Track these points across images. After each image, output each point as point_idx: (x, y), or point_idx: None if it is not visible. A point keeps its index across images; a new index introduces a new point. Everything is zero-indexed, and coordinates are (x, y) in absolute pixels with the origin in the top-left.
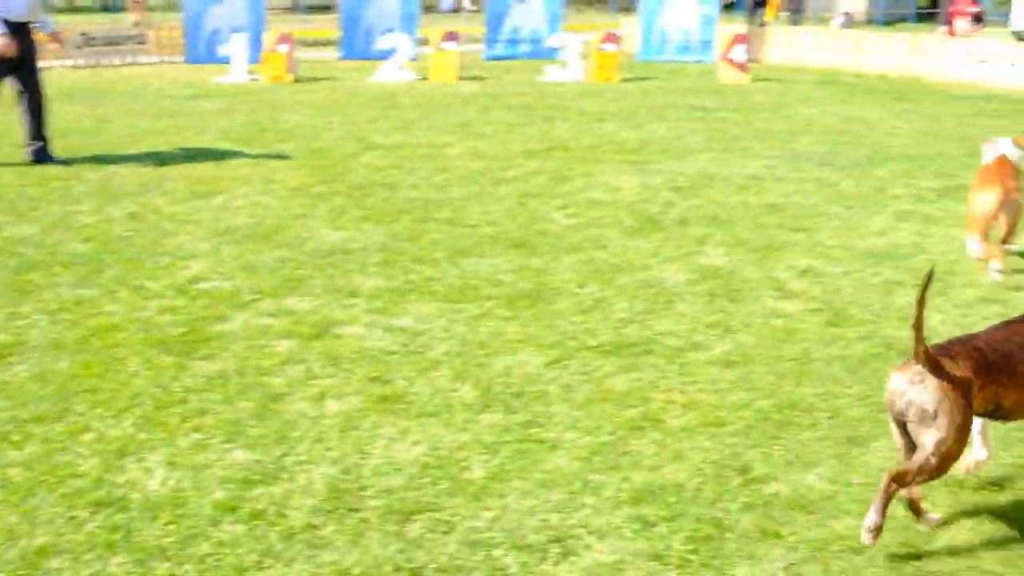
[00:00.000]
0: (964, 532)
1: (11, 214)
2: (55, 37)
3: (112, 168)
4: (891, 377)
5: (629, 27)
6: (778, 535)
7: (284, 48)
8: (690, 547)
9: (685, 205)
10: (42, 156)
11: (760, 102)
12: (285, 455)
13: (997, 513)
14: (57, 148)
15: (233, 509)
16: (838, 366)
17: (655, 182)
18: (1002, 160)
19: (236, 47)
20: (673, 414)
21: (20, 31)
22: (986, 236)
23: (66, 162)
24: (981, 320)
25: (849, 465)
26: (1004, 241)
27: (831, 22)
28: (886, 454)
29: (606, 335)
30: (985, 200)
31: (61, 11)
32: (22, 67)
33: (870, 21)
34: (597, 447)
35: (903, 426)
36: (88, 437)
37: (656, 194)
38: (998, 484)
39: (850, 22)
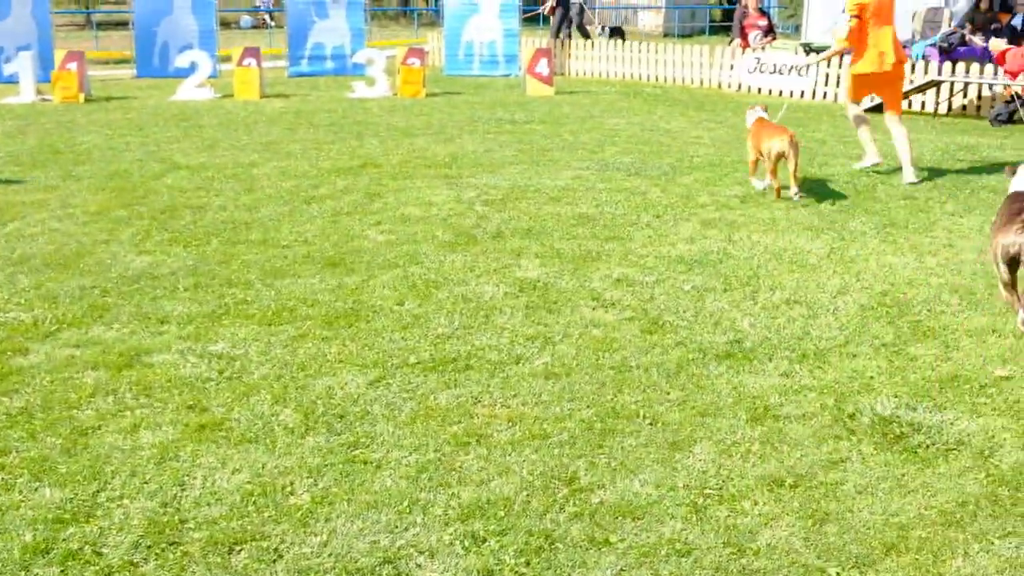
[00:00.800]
0: (784, 530)
1: None
2: None
3: None
4: (1000, 237)
5: (434, 42)
6: (608, 542)
7: (74, 66)
8: (522, 560)
9: (499, 218)
10: None
11: (566, 114)
12: (99, 491)
13: (815, 511)
14: None
15: (45, 551)
16: (656, 373)
17: (468, 196)
18: (761, 120)
19: (23, 65)
20: (498, 428)
21: None
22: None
23: None
24: (788, 321)
25: (673, 469)
26: (794, 175)
27: (595, 32)
28: (708, 457)
29: (427, 352)
30: (775, 143)
31: None
32: None
33: (667, 34)
34: (424, 465)
35: (1013, 267)
36: None
37: (470, 208)
38: (811, 479)
39: (610, 32)
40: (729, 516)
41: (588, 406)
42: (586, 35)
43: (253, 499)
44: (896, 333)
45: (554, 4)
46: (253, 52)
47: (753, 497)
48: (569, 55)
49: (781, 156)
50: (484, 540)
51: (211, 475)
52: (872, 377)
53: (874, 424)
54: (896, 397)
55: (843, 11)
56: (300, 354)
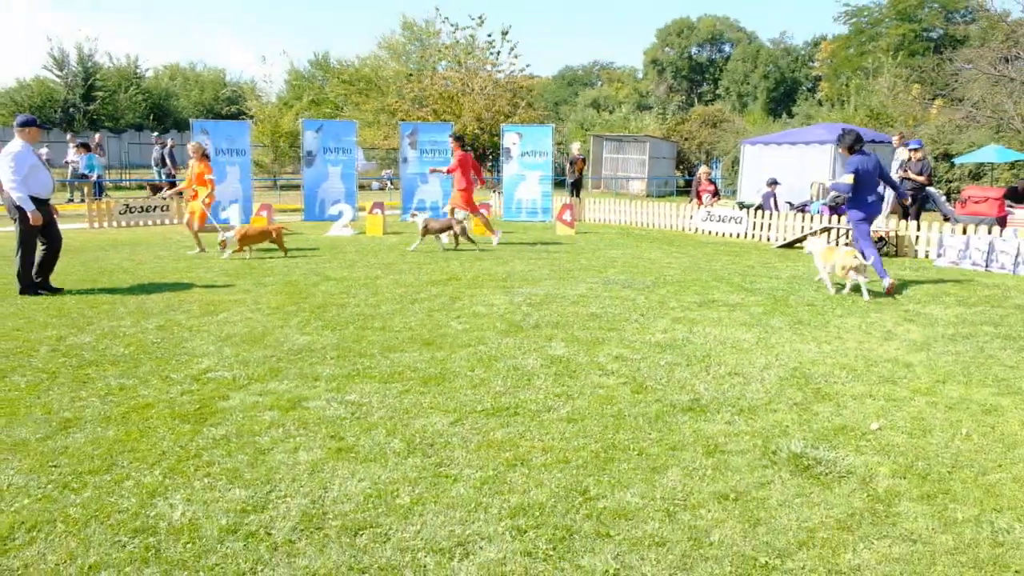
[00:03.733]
0: (729, 530)
1: (73, 327)
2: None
3: (145, 295)
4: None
5: (496, 198)
6: (608, 535)
7: (265, 213)
8: (551, 546)
9: (537, 315)
10: (30, 291)
11: (582, 247)
12: (270, 492)
13: (750, 517)
14: (103, 282)
15: (233, 531)
16: (642, 420)
17: (517, 300)
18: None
19: (232, 213)
20: (535, 455)
21: (45, 204)
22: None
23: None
24: (730, 386)
25: (653, 486)
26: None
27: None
28: (677, 478)
29: (489, 403)
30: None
31: (117, 188)
32: (48, 228)
33: (648, 195)
34: (485, 479)
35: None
36: (129, 484)
37: (518, 308)
38: (747, 495)
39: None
40: (691, 519)
41: (596, 441)
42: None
43: (372, 499)
44: (803, 396)
45: (576, 176)
46: (379, 204)
47: (708, 507)
48: (584, 208)
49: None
50: (525, 531)
51: (344, 483)
52: (788, 426)
53: (790, 458)
54: (804, 440)
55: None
56: (405, 402)
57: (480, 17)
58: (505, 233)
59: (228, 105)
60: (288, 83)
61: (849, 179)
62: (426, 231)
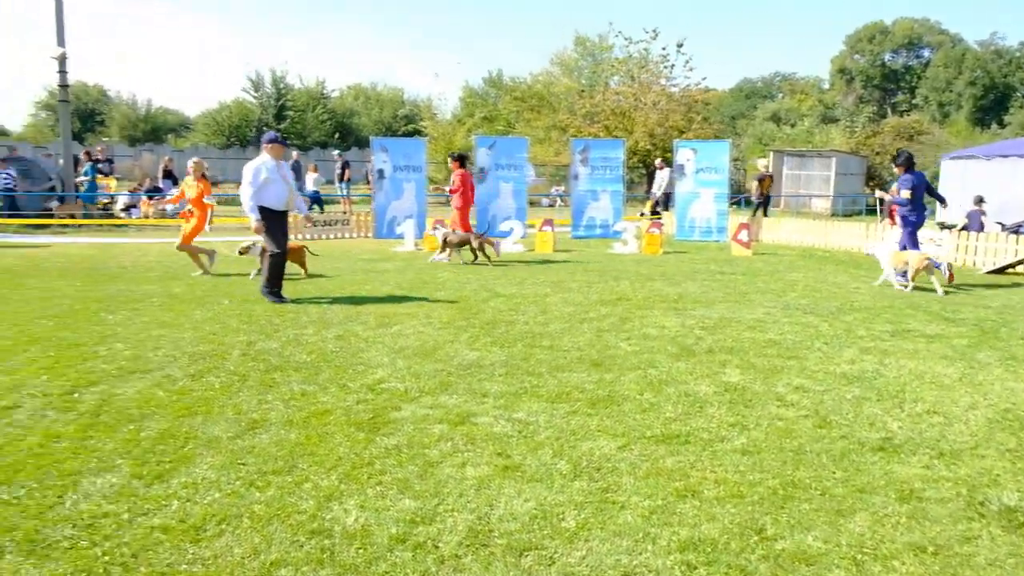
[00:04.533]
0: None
1: (261, 334)
2: (308, 218)
3: (327, 306)
4: None
5: (668, 218)
6: None
7: (436, 229)
8: None
9: (711, 339)
10: (274, 298)
11: (760, 269)
12: (438, 504)
13: (952, 575)
14: (289, 292)
15: (402, 540)
16: (825, 457)
17: (689, 323)
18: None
19: (407, 228)
20: (707, 487)
21: (280, 216)
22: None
23: (293, 301)
24: (928, 426)
25: (837, 530)
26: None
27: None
28: (865, 524)
29: (658, 428)
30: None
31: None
32: (280, 238)
33: (833, 214)
34: (654, 508)
35: None
36: (307, 486)
37: (690, 331)
38: (948, 549)
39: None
40: (882, 571)
41: (773, 477)
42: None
43: (537, 520)
44: (1018, 441)
45: (761, 193)
46: (549, 222)
47: (902, 558)
48: (761, 227)
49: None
50: (695, 568)
51: (510, 501)
52: (998, 475)
53: (1001, 512)
54: (1020, 491)
55: None
56: (572, 424)
57: (654, 31)
58: (677, 253)
59: (406, 123)
60: (462, 100)
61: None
62: (445, 244)
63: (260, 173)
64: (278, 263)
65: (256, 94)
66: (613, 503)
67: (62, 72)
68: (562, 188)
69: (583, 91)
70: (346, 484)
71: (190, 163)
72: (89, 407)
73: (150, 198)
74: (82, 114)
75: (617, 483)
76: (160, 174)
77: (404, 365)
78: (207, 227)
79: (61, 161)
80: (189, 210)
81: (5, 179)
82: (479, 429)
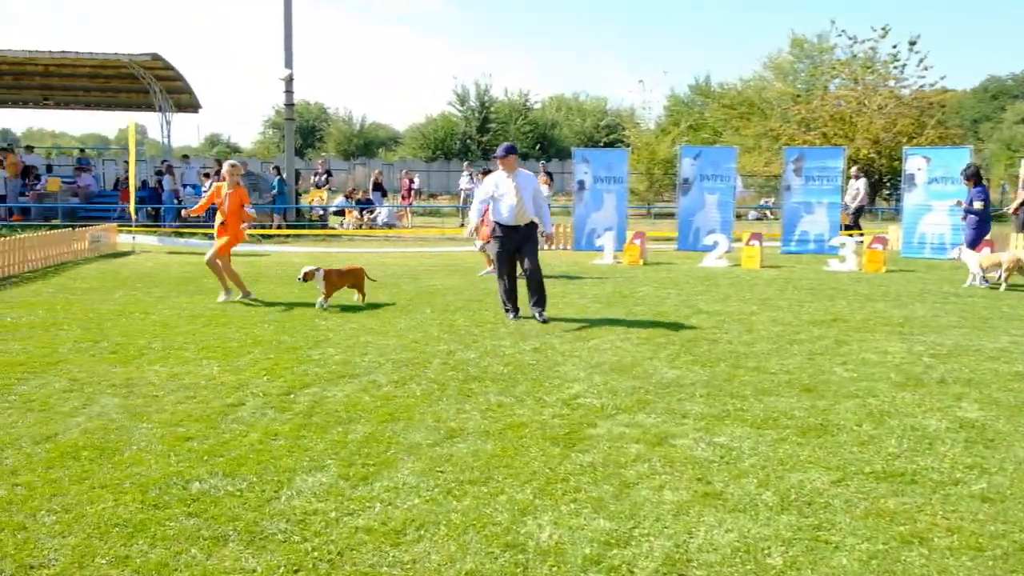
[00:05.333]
0: None
1: (460, 344)
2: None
3: (524, 321)
4: None
5: (894, 232)
6: None
7: (639, 241)
8: None
9: (943, 368)
10: (508, 313)
11: (1003, 291)
12: (634, 527)
13: None
14: (488, 302)
15: (596, 562)
16: None
17: (917, 349)
18: None
19: (607, 240)
20: (938, 534)
21: (511, 231)
22: None
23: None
24: None
25: None
26: None
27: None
28: None
29: (879, 464)
30: None
31: None
32: (517, 255)
33: None
34: (873, 553)
35: None
36: (503, 498)
37: (919, 359)
38: None
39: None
40: None
41: (1021, 530)
42: None
43: (739, 554)
44: None
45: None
46: (757, 236)
47: None
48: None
49: None
50: None
51: (710, 531)
52: None
53: None
54: None
55: None
56: (779, 452)
57: (884, 28)
58: (903, 272)
59: (608, 133)
60: (666, 109)
61: None
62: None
63: (487, 188)
64: (503, 287)
65: (461, 107)
66: (826, 542)
67: (288, 92)
68: (771, 200)
69: (799, 96)
70: (540, 499)
71: (226, 166)
72: (303, 408)
73: (361, 210)
74: (304, 131)
75: (830, 521)
76: (371, 186)
77: (601, 380)
78: (247, 235)
79: (285, 175)
80: (222, 223)
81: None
82: (678, 451)
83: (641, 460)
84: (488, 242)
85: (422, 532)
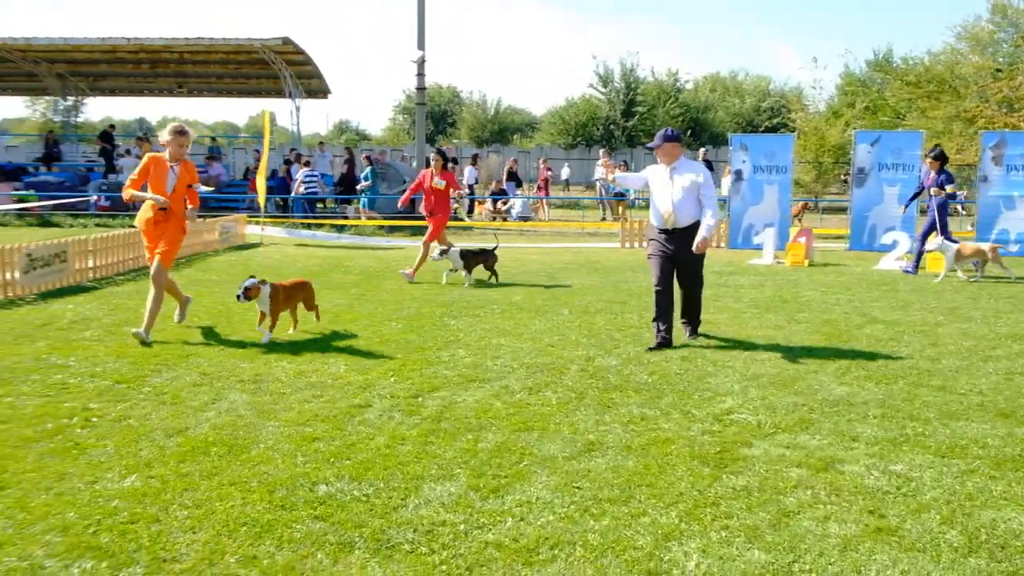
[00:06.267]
0: None
1: (600, 349)
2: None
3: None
4: None
5: None
6: None
7: (803, 240)
8: None
9: None
10: (696, 333)
11: None
12: (793, 562)
13: None
14: (633, 304)
15: None
16: None
17: None
18: None
19: (767, 237)
20: None
21: (664, 234)
22: None
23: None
24: None
25: None
26: None
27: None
28: None
29: None
30: None
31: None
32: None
33: None
34: None
35: None
36: (645, 520)
37: None
38: None
39: None
40: None
41: None
42: None
43: None
44: None
45: None
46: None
47: None
48: None
49: None
50: None
51: (883, 570)
52: None
53: None
54: None
55: None
56: (968, 486)
57: None
58: None
59: (770, 117)
60: (839, 89)
61: None
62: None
63: (641, 179)
64: (655, 299)
65: (604, 90)
66: None
67: (420, 75)
68: (963, 193)
69: (1000, 71)
70: (687, 523)
71: (166, 128)
72: (431, 412)
73: (495, 202)
74: (435, 116)
75: None
76: (504, 176)
77: (757, 395)
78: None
79: (415, 163)
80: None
81: (310, 183)
82: (846, 479)
83: (803, 487)
84: (448, 249)
85: (556, 552)
